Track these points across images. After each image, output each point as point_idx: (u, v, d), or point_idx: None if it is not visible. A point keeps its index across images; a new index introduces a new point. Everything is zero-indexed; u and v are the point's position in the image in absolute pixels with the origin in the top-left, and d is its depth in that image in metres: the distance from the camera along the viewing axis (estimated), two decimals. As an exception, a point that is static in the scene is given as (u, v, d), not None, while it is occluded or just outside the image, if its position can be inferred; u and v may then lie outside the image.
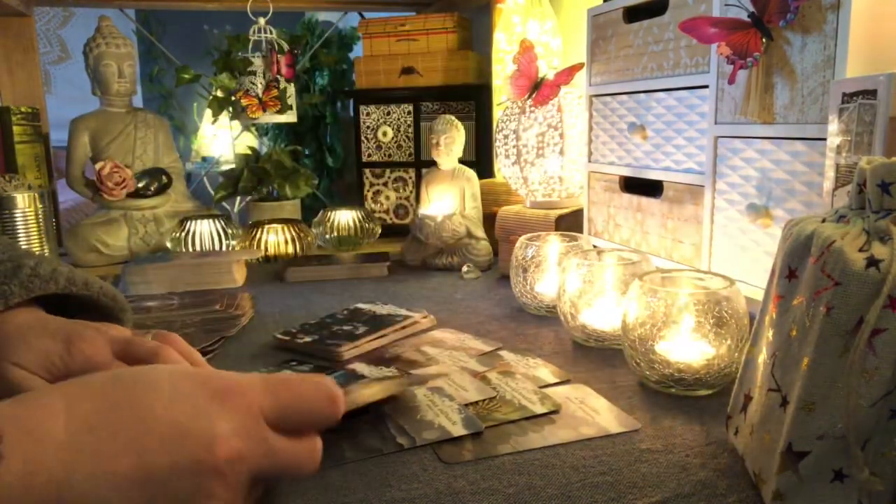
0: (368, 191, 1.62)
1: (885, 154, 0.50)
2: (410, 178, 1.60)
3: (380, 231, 1.45)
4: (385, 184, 1.61)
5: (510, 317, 0.93)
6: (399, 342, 0.82)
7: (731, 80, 0.71)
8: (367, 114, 1.59)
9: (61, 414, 0.33)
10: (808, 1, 0.62)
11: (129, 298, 1.02)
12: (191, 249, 1.29)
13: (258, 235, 1.31)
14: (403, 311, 0.90)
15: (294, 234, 1.33)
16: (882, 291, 0.38)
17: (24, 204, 1.16)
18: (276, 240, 1.31)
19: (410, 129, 1.58)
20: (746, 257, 0.74)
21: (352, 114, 1.76)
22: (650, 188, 0.90)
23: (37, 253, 0.68)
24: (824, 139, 0.59)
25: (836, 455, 0.41)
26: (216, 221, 1.33)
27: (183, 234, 1.30)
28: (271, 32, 1.48)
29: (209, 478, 0.34)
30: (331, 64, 2.25)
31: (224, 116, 1.56)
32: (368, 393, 0.54)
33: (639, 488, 0.49)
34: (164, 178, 1.47)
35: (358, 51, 2.21)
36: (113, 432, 0.33)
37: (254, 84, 1.47)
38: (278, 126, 2.38)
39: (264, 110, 1.47)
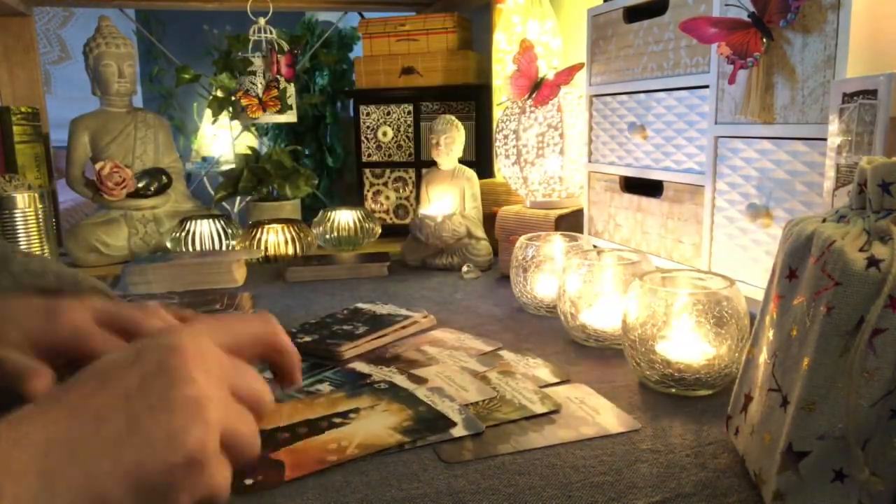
0: (368, 191, 1.62)
1: (885, 154, 0.50)
2: (410, 178, 1.60)
3: (380, 231, 1.45)
4: (385, 184, 1.61)
5: (510, 317, 0.93)
6: (399, 342, 0.82)
7: (732, 80, 0.71)
8: (367, 114, 1.59)
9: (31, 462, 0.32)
10: (808, 1, 0.62)
11: (129, 298, 1.02)
12: (191, 249, 1.29)
13: (258, 235, 1.31)
14: (403, 311, 0.90)
15: (294, 234, 1.33)
16: (882, 291, 0.38)
17: (24, 204, 1.16)
18: (276, 240, 1.31)
19: (410, 129, 1.58)
20: (746, 257, 0.74)
21: (352, 114, 1.76)
22: (650, 188, 0.90)
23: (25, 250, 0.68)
24: (824, 139, 0.59)
25: (836, 455, 0.41)
26: (216, 221, 1.33)
27: (183, 234, 1.30)
28: (271, 32, 1.48)
29: (184, 475, 0.33)
30: (331, 64, 2.25)
31: (224, 116, 1.56)
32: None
33: (639, 488, 0.49)
34: (164, 178, 1.47)
35: (358, 51, 2.20)
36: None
37: (254, 84, 1.47)
38: (278, 126, 2.38)
39: (264, 110, 1.47)
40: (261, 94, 1.46)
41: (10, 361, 0.48)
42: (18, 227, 1.15)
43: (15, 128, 1.39)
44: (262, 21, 1.48)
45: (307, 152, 2.35)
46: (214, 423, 0.34)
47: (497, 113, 1.34)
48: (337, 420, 0.59)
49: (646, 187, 0.91)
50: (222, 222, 1.33)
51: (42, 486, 0.31)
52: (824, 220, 0.45)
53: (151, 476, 0.32)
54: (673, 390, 0.65)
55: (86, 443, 0.32)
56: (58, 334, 0.49)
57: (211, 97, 1.54)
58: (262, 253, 1.30)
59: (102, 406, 0.34)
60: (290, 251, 1.31)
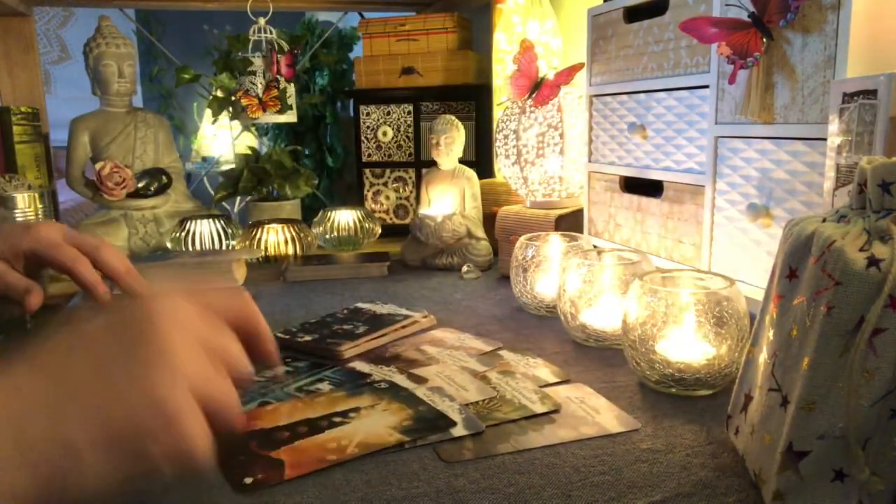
0: (368, 191, 1.62)
1: (885, 154, 0.50)
2: (410, 178, 1.60)
3: (380, 231, 1.45)
4: (385, 184, 1.61)
5: (510, 317, 0.93)
6: (399, 341, 0.82)
7: (732, 80, 0.71)
8: (367, 114, 1.59)
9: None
10: (808, 1, 0.62)
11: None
12: (191, 249, 1.29)
13: (258, 235, 1.30)
14: (403, 311, 0.90)
15: (294, 234, 1.33)
16: (883, 291, 0.38)
17: (24, 204, 1.16)
18: (276, 240, 1.31)
19: (410, 129, 1.58)
20: (746, 257, 0.74)
21: (352, 114, 1.76)
22: (650, 188, 0.90)
23: None
24: (825, 139, 0.59)
25: (836, 455, 0.41)
26: (216, 221, 1.33)
27: (183, 234, 1.30)
28: (271, 32, 1.48)
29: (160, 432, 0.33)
30: (331, 64, 2.25)
31: (224, 116, 1.56)
32: None
33: (639, 488, 0.49)
34: (164, 178, 1.46)
35: (358, 51, 2.20)
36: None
37: (254, 84, 1.47)
38: (278, 126, 2.38)
39: (264, 110, 1.47)
40: (261, 94, 1.46)
41: (14, 279, 0.59)
42: (18, 226, 1.15)
43: (15, 128, 1.38)
44: (262, 21, 1.47)
45: (307, 152, 2.34)
46: (184, 373, 0.34)
47: (497, 113, 1.34)
48: (337, 419, 0.59)
49: (646, 187, 0.91)
50: (222, 222, 1.33)
51: (6, 432, 0.31)
52: (824, 220, 0.45)
53: (118, 422, 0.33)
54: (673, 390, 0.65)
55: (52, 391, 0.33)
56: (37, 242, 0.61)
57: (211, 97, 1.53)
58: (262, 253, 1.30)
59: (71, 357, 0.35)
60: (290, 251, 1.31)
